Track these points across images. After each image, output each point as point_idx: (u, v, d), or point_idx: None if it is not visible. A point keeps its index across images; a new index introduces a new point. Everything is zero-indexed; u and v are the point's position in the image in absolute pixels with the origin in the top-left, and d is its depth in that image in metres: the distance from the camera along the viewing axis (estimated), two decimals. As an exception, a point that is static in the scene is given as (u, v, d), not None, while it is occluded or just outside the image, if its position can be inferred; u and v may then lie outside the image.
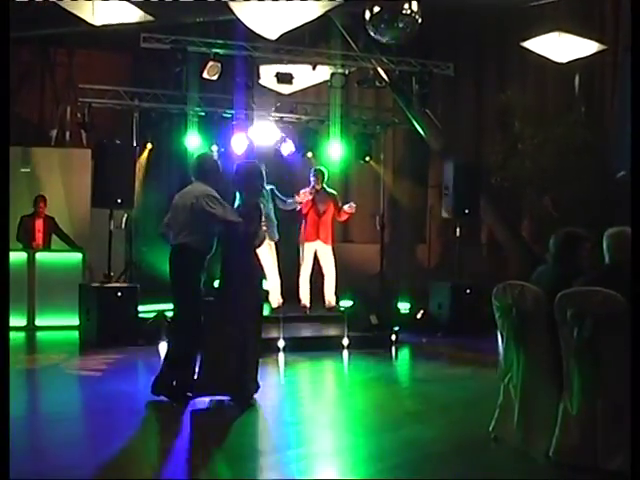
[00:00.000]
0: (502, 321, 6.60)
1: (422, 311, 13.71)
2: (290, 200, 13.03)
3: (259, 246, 8.28)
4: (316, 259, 13.25)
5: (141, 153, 13.82)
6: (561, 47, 13.09)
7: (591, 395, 5.84)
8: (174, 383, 8.07)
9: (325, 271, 13.31)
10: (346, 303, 13.39)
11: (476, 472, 6.16)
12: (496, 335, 6.80)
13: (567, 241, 6.63)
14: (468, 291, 13.33)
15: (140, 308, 12.22)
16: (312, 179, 13.31)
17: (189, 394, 8.00)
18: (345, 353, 11.43)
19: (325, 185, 13.46)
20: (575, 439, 5.96)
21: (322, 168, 13.66)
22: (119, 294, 11.91)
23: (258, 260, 8.32)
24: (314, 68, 13.78)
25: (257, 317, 8.20)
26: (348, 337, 11.75)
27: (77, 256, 13.56)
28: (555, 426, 6.10)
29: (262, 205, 8.69)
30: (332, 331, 12.12)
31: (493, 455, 6.61)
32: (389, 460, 6.38)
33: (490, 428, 6.76)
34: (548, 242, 6.75)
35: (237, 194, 8.64)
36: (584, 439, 5.91)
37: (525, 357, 6.39)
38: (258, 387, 8.17)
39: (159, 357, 11.05)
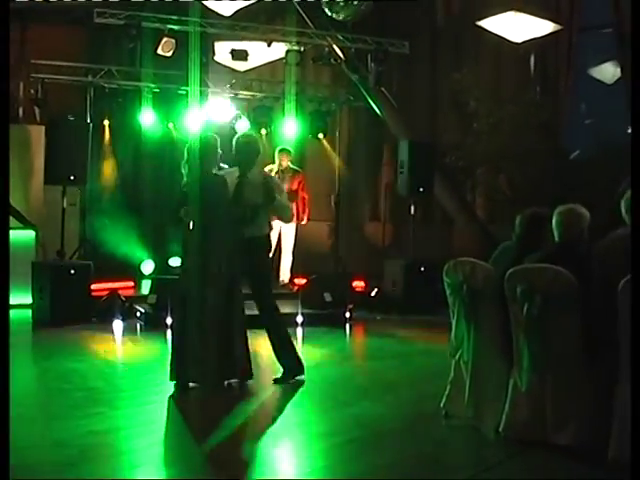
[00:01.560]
0: (453, 298, 6.64)
1: (376, 289, 13.75)
2: None
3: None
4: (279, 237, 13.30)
5: (97, 130, 13.73)
6: (516, 27, 13.15)
7: (540, 371, 5.90)
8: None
9: (283, 248, 13.35)
10: (300, 280, 13.41)
11: (426, 447, 6.23)
12: (448, 312, 6.85)
13: (533, 221, 6.67)
14: (422, 269, 13.37)
15: (93, 286, 12.16)
16: (278, 158, 13.35)
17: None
18: (299, 330, 11.44)
19: (290, 163, 13.51)
20: (524, 414, 6.03)
21: (288, 147, 13.69)
22: (72, 272, 11.81)
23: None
24: (269, 45, 13.75)
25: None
26: (302, 314, 11.77)
27: (30, 234, 13.41)
28: (505, 402, 6.16)
29: None
30: (286, 308, 12.10)
31: (443, 431, 6.68)
32: (340, 436, 6.40)
33: (441, 404, 6.81)
34: (502, 221, 6.82)
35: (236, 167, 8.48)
36: (533, 414, 5.98)
37: (475, 334, 6.44)
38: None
39: (113, 334, 11.09)
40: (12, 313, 12.10)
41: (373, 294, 13.70)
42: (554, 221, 6.14)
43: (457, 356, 6.69)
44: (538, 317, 5.78)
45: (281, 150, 13.54)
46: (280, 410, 7.52)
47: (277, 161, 13.37)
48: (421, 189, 13.58)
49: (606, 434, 5.48)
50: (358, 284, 14.20)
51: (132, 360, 9.75)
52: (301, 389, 8.23)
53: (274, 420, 7.11)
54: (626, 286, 5.26)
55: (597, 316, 5.63)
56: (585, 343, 5.72)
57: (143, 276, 14.34)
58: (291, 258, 13.45)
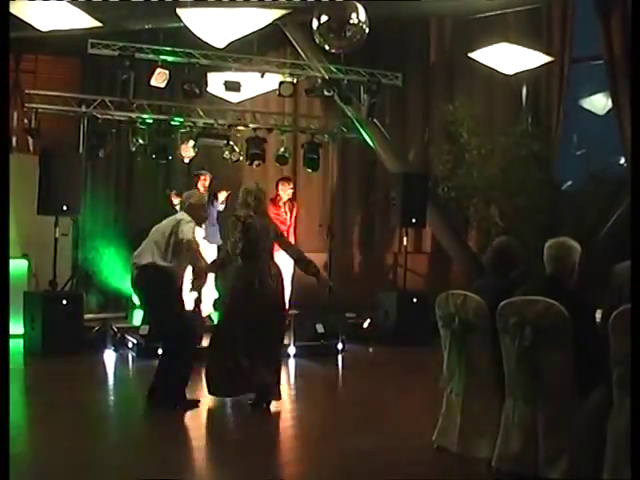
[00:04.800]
0: (444, 330, 6.64)
1: (368, 320, 13.75)
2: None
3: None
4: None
5: (91, 160, 13.76)
6: (508, 58, 13.23)
7: (532, 404, 5.88)
8: None
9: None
10: (292, 312, 13.39)
11: (418, 481, 6.21)
12: (440, 344, 6.85)
13: (501, 251, 6.76)
14: (414, 300, 13.38)
15: (85, 317, 12.14)
16: (283, 187, 13.51)
17: None
18: (291, 362, 11.43)
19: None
20: (516, 448, 5.99)
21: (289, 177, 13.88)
22: (64, 302, 11.80)
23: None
24: (262, 76, 13.81)
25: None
26: (294, 346, 11.77)
27: (22, 263, 13.39)
28: (497, 435, 6.15)
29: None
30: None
31: (435, 465, 6.64)
32: (330, 470, 6.39)
33: (433, 437, 6.79)
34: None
35: None
36: (525, 448, 5.94)
37: (467, 366, 6.42)
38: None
39: (104, 365, 11.08)
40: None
41: (365, 325, 13.70)
42: (545, 254, 6.15)
43: (449, 389, 6.68)
44: (529, 349, 5.77)
45: (284, 179, 13.68)
46: (272, 442, 7.51)
47: (282, 191, 13.49)
48: (414, 220, 13.62)
49: (599, 468, 5.46)
50: (351, 315, 14.19)
51: (124, 391, 9.72)
52: (292, 421, 8.24)
53: (266, 454, 7.10)
54: (617, 318, 5.26)
55: (588, 348, 5.64)
56: (577, 376, 5.72)
57: (135, 306, 14.31)
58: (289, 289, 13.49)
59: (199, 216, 8.61)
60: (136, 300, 14.41)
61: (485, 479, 6.17)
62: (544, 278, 6.16)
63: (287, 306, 9.29)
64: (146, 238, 8.48)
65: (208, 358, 8.44)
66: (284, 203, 13.63)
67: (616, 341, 5.29)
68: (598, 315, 5.72)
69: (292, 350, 11.70)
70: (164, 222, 8.49)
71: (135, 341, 11.70)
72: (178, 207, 8.88)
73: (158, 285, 8.19)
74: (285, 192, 13.63)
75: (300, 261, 8.89)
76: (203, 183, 13.18)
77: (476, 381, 6.40)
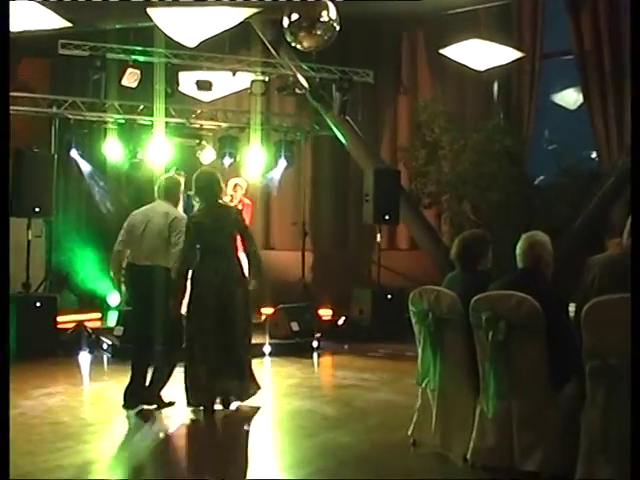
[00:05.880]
0: (419, 326, 6.66)
1: (344, 318, 13.75)
2: None
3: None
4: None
5: (62, 161, 13.69)
6: (479, 54, 13.26)
7: (506, 398, 5.92)
8: None
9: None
10: (267, 310, 13.39)
11: (394, 476, 6.22)
12: (415, 340, 6.87)
13: (468, 244, 6.81)
14: (389, 297, 13.40)
15: (59, 319, 12.07)
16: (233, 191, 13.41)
17: None
18: (266, 360, 11.42)
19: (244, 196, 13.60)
20: (491, 441, 6.05)
21: (242, 179, 13.77)
22: (38, 304, 11.73)
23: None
24: (234, 75, 13.78)
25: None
26: (269, 344, 11.76)
27: (-5, 266, 13.28)
28: (472, 429, 6.18)
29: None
30: (253, 339, 12.09)
31: (411, 459, 6.67)
32: (308, 467, 6.40)
33: (409, 432, 6.81)
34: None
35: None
36: (500, 441, 5.99)
37: (442, 361, 6.45)
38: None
39: (79, 367, 11.04)
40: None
41: (341, 323, 13.70)
42: (518, 248, 6.19)
43: (424, 384, 6.70)
44: (503, 344, 5.81)
45: (234, 181, 13.62)
46: (247, 440, 7.51)
47: (231, 193, 13.41)
48: (387, 217, 13.62)
49: (573, 460, 5.49)
50: (326, 313, 14.20)
51: (99, 393, 9.67)
52: (268, 419, 8.24)
53: (242, 451, 7.10)
54: (589, 311, 5.29)
55: (562, 342, 5.67)
56: (550, 369, 5.75)
57: (109, 308, 14.26)
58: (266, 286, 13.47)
59: (177, 198, 8.62)
60: (114, 301, 14.40)
61: (461, 472, 6.17)
62: (517, 272, 6.20)
63: (254, 305, 9.15)
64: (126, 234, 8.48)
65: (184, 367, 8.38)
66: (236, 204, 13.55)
67: (588, 334, 5.32)
68: (572, 309, 5.74)
69: (267, 349, 11.69)
70: (155, 219, 8.44)
71: (110, 342, 11.65)
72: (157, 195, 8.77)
73: (160, 286, 8.17)
74: (238, 193, 13.56)
75: (252, 263, 8.46)
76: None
77: (451, 376, 6.44)
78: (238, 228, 8.35)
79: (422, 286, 6.76)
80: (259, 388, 8.48)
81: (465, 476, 6.13)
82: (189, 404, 8.15)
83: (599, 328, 5.27)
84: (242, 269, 8.34)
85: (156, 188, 8.68)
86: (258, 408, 8.34)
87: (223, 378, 8.11)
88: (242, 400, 8.32)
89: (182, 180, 8.79)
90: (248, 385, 8.35)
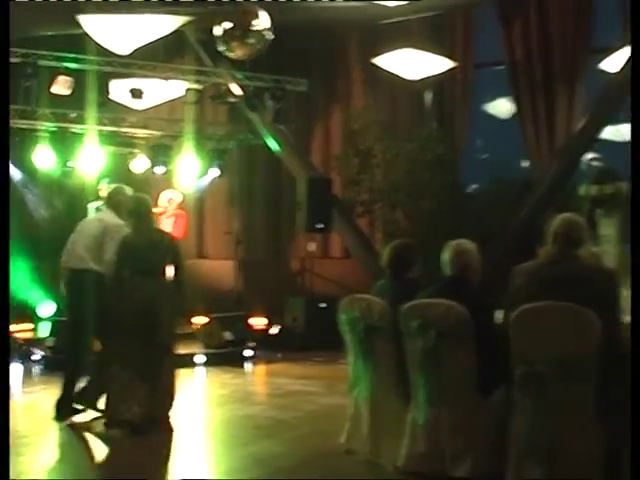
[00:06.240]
0: (349, 334, 6.68)
1: (278, 326, 13.72)
2: None
3: None
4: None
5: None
6: (412, 64, 13.31)
7: (436, 405, 5.96)
8: None
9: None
10: (200, 320, 13.31)
11: (327, 484, 6.23)
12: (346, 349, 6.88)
13: (398, 253, 6.86)
14: (322, 305, 13.39)
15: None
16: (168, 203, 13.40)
17: None
18: (200, 370, 11.37)
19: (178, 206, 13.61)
20: (422, 448, 6.07)
21: (177, 190, 13.78)
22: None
23: None
24: (167, 81, 13.72)
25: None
26: (203, 354, 11.71)
27: None
28: (404, 436, 6.20)
29: None
30: (186, 348, 12.05)
31: (343, 467, 6.65)
32: (242, 476, 6.39)
33: (341, 440, 6.82)
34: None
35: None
36: (431, 448, 6.02)
37: (372, 369, 6.48)
38: None
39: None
40: None
41: (274, 332, 13.67)
42: (446, 256, 6.24)
43: (356, 392, 6.72)
44: (433, 351, 5.85)
45: (168, 194, 13.57)
46: (179, 450, 7.46)
47: (165, 205, 13.37)
48: (320, 225, 13.63)
49: (503, 465, 5.54)
50: (260, 322, 14.16)
51: (30, 405, 9.54)
52: (202, 429, 8.21)
53: (173, 461, 7.06)
54: (517, 318, 5.36)
55: (490, 349, 5.73)
56: (479, 376, 5.80)
57: (41, 319, 14.07)
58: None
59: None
60: (47, 312, 14.21)
61: (392, 479, 6.20)
62: (445, 280, 6.25)
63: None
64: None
65: None
66: (169, 216, 13.53)
67: (515, 341, 5.39)
68: (500, 316, 5.79)
69: (201, 358, 11.64)
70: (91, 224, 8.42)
71: (42, 353, 11.51)
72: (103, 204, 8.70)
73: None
74: (171, 206, 13.55)
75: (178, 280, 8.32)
76: (107, 192, 13.01)
77: (382, 383, 6.46)
78: (170, 258, 8.23)
79: (354, 294, 6.79)
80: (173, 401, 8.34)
81: (397, 483, 6.14)
82: (108, 416, 8.04)
83: (525, 335, 5.35)
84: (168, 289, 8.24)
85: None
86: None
87: (140, 391, 7.98)
88: (160, 413, 8.17)
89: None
90: (164, 399, 8.20)
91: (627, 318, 5.20)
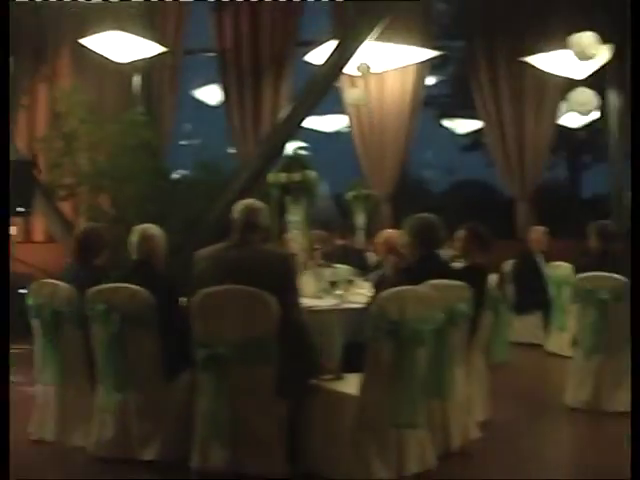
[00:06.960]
0: (36, 320, 6.57)
1: None
2: None
3: None
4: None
5: None
6: (121, 47, 13.15)
7: (123, 390, 5.97)
8: None
9: None
10: None
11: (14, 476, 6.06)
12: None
13: (84, 238, 6.95)
14: (24, 291, 12.97)
15: None
16: None
17: None
18: None
19: None
20: (111, 433, 6.06)
21: None
22: None
23: None
24: None
25: None
26: None
27: None
28: (93, 422, 6.16)
29: None
30: None
31: (33, 457, 6.43)
32: None
33: (29, 430, 6.67)
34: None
35: None
36: (119, 433, 6.03)
37: (59, 356, 6.40)
38: None
39: None
40: None
41: None
42: (130, 241, 6.29)
43: (43, 379, 6.60)
44: (118, 336, 5.85)
45: None
46: None
47: None
48: (21, 209, 13.20)
49: (191, 448, 5.61)
50: None
51: None
52: None
53: None
54: (196, 302, 5.47)
55: (174, 332, 5.80)
56: (165, 359, 5.86)
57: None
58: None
59: None
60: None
61: (82, 466, 6.12)
62: (131, 264, 6.28)
63: None
64: None
65: None
66: None
67: (196, 324, 5.48)
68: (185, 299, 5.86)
69: None
70: None
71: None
72: None
73: None
74: None
75: None
76: None
77: (69, 370, 6.40)
78: None
79: (43, 279, 6.70)
80: None
81: (86, 470, 6.06)
82: None
83: (206, 318, 5.45)
84: None
85: None
86: None
87: None
88: None
89: None
90: None
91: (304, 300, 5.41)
